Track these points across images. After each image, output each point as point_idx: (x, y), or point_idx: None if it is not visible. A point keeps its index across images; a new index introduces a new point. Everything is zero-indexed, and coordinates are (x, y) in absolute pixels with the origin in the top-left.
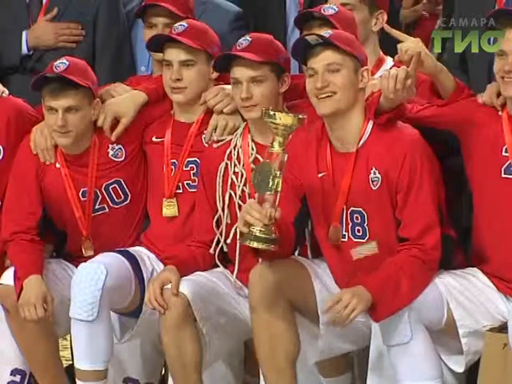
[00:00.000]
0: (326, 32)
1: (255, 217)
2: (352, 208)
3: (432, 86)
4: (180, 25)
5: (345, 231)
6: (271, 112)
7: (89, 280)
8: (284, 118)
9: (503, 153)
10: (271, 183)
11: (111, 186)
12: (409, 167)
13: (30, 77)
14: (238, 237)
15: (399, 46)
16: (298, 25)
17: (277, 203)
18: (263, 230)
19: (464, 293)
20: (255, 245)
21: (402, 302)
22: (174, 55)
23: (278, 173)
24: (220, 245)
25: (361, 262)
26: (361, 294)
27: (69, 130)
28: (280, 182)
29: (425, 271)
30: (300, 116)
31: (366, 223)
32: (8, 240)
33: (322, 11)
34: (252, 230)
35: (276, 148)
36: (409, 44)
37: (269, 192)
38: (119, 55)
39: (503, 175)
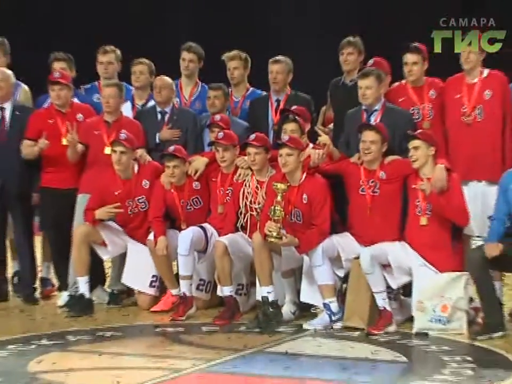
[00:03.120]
0: (287, 133)
1: (273, 229)
2: (295, 209)
3: (331, 156)
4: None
5: (295, 218)
6: (277, 184)
7: (185, 238)
8: (282, 186)
9: (361, 183)
10: (278, 213)
11: (194, 199)
12: (318, 195)
13: (159, 153)
14: (266, 237)
15: (319, 138)
16: (280, 122)
17: (281, 221)
18: (276, 234)
19: (343, 242)
20: (273, 240)
21: (310, 246)
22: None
23: (282, 208)
24: (241, 223)
25: (299, 230)
26: (293, 240)
27: (174, 176)
28: (283, 213)
29: (321, 236)
30: (288, 185)
31: (300, 216)
32: (151, 220)
33: (293, 113)
34: (272, 234)
35: (279, 198)
36: (323, 138)
37: (277, 217)
38: (196, 143)
39: (360, 192)
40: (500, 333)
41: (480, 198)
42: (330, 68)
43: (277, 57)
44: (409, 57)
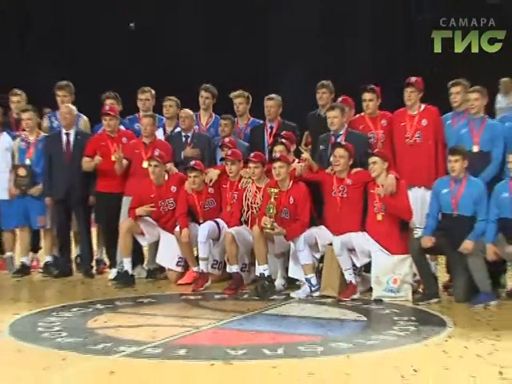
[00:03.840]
0: (277, 152)
1: (267, 223)
2: (285, 208)
3: (311, 168)
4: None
5: (284, 214)
6: (271, 189)
7: (204, 229)
8: (274, 191)
9: (333, 188)
10: (272, 211)
11: (209, 201)
12: (301, 198)
13: (184, 166)
14: (262, 228)
15: (302, 155)
16: (273, 144)
17: (273, 217)
18: (270, 226)
19: (320, 233)
20: (267, 231)
21: (295, 235)
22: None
23: (274, 207)
24: (244, 218)
25: (287, 223)
26: (282, 231)
27: (195, 184)
28: (275, 211)
29: (303, 228)
30: (279, 190)
31: (288, 213)
32: (177, 216)
33: (282, 137)
34: (267, 226)
35: (272, 200)
36: (305, 155)
37: (271, 214)
38: (211, 159)
39: (332, 195)
40: (436, 300)
41: (420, 200)
42: (311, 103)
43: (271, 95)
44: (367, 95)
